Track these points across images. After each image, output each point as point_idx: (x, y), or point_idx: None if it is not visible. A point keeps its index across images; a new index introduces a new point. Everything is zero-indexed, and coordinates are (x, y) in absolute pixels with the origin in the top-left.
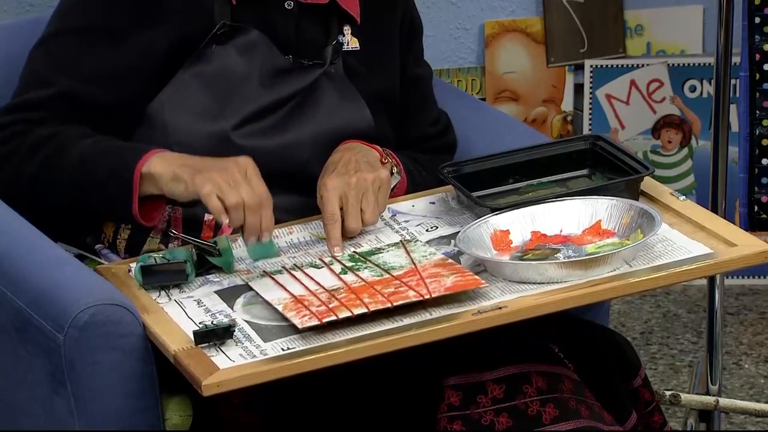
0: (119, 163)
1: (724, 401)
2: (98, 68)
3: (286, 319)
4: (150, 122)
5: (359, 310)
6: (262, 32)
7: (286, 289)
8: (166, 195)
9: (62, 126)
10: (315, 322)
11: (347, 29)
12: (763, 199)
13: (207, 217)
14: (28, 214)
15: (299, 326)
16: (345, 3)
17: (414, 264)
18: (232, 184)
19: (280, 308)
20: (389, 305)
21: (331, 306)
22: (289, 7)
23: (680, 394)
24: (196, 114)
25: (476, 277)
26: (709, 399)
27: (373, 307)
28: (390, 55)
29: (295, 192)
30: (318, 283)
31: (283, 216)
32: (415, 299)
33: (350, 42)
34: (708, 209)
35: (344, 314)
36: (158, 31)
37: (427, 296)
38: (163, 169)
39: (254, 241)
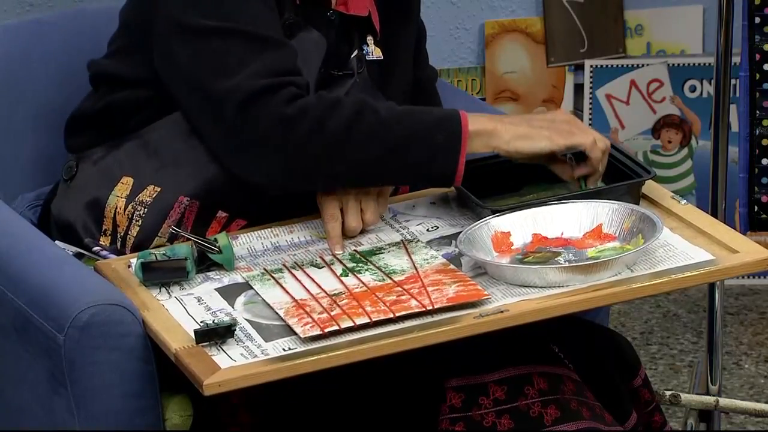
0: (445, 116)
1: (724, 401)
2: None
3: None
4: None
5: (361, 320)
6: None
7: (287, 292)
8: (500, 151)
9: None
10: (317, 331)
11: (370, 39)
12: (763, 199)
13: (220, 213)
14: (288, 184)
15: (301, 335)
16: (372, 15)
17: (415, 268)
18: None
19: (281, 313)
20: (391, 315)
21: (333, 314)
22: (332, 18)
23: (680, 394)
24: None
25: (478, 287)
26: (709, 399)
27: (375, 317)
28: (406, 63)
29: None
30: (319, 286)
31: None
32: (417, 310)
33: (374, 52)
34: (708, 209)
35: (346, 324)
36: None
37: (430, 307)
38: (496, 126)
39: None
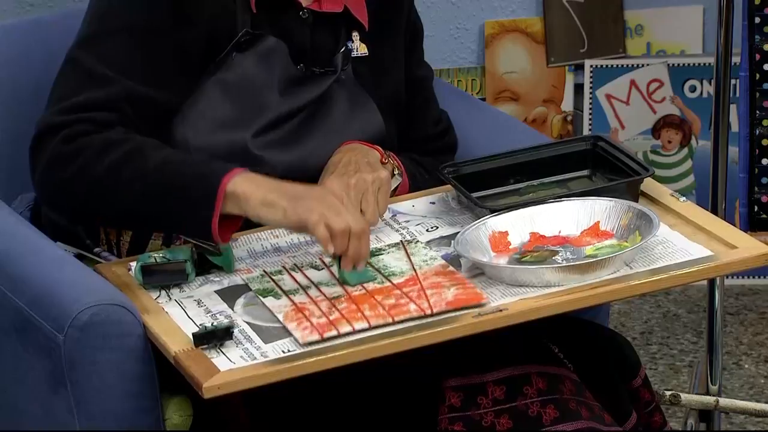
0: (205, 173)
1: (724, 401)
2: (150, 68)
3: None
4: (170, 129)
5: (360, 325)
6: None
7: (286, 294)
8: (251, 218)
9: (133, 133)
10: (316, 336)
11: (356, 35)
12: (763, 199)
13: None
14: (71, 220)
15: (300, 341)
16: (355, 10)
17: (414, 270)
18: (336, 212)
19: (280, 317)
20: (390, 320)
21: (331, 318)
22: (305, 17)
23: (680, 394)
24: (216, 122)
25: (477, 290)
26: (709, 399)
27: (374, 322)
28: (396, 59)
29: None
30: (318, 289)
31: None
32: (416, 314)
33: (359, 48)
34: (708, 209)
35: (345, 329)
36: (193, 32)
37: (428, 311)
38: (251, 191)
39: (351, 268)
